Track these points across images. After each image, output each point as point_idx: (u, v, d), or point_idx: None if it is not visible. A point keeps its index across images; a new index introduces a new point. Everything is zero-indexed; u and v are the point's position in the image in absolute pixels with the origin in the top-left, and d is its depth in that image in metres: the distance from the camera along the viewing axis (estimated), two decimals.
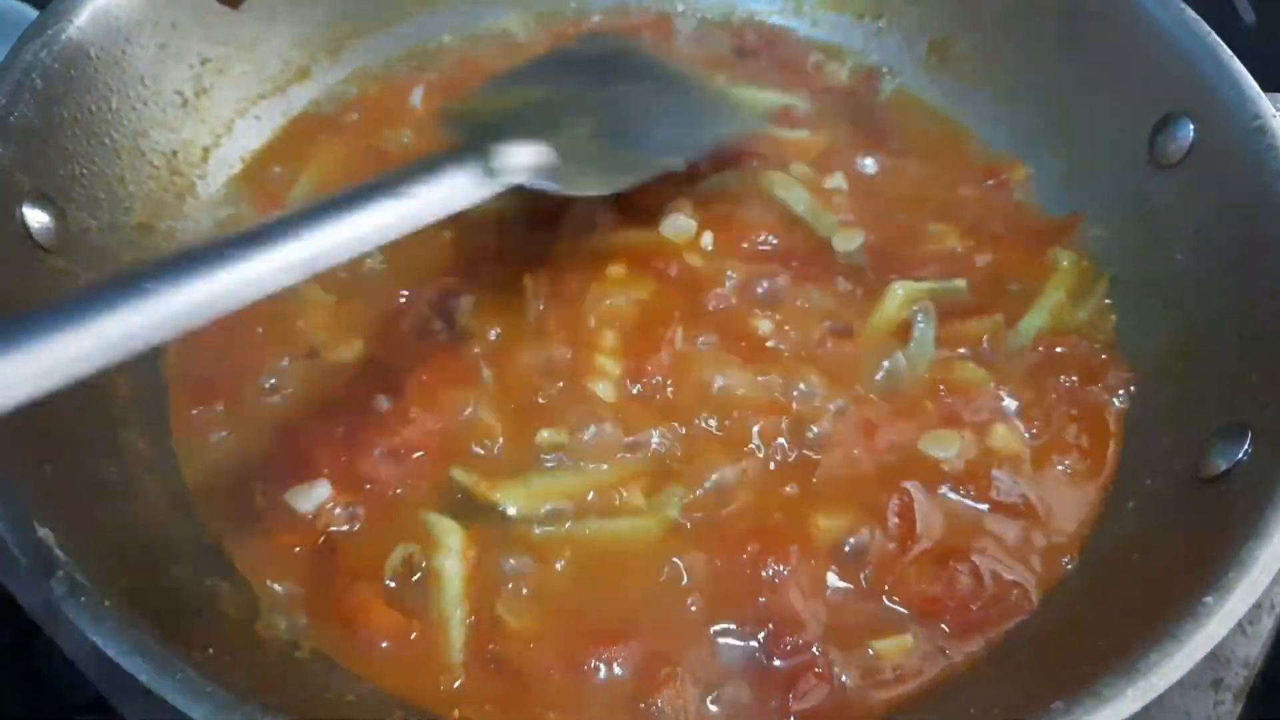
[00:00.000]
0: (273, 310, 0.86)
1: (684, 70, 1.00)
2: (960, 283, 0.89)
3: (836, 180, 0.98)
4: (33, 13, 0.98)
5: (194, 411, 0.83)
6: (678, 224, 0.92)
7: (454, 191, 0.70)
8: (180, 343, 0.85)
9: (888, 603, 0.74)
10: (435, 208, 0.69)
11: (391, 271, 0.90)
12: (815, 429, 0.80)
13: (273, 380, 0.83)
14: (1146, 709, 0.58)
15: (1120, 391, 0.84)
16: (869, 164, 1.00)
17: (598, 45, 1.01)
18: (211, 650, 0.61)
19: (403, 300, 0.87)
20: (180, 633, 0.61)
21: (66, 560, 0.60)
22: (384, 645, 0.71)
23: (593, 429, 0.79)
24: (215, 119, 0.97)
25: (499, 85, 0.91)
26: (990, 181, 0.99)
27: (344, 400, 0.82)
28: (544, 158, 0.75)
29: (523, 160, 0.73)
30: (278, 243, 0.61)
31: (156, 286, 0.56)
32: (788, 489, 0.78)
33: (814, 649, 0.70)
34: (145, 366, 0.83)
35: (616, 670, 0.70)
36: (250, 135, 1.00)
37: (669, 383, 0.82)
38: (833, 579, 0.74)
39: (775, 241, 0.91)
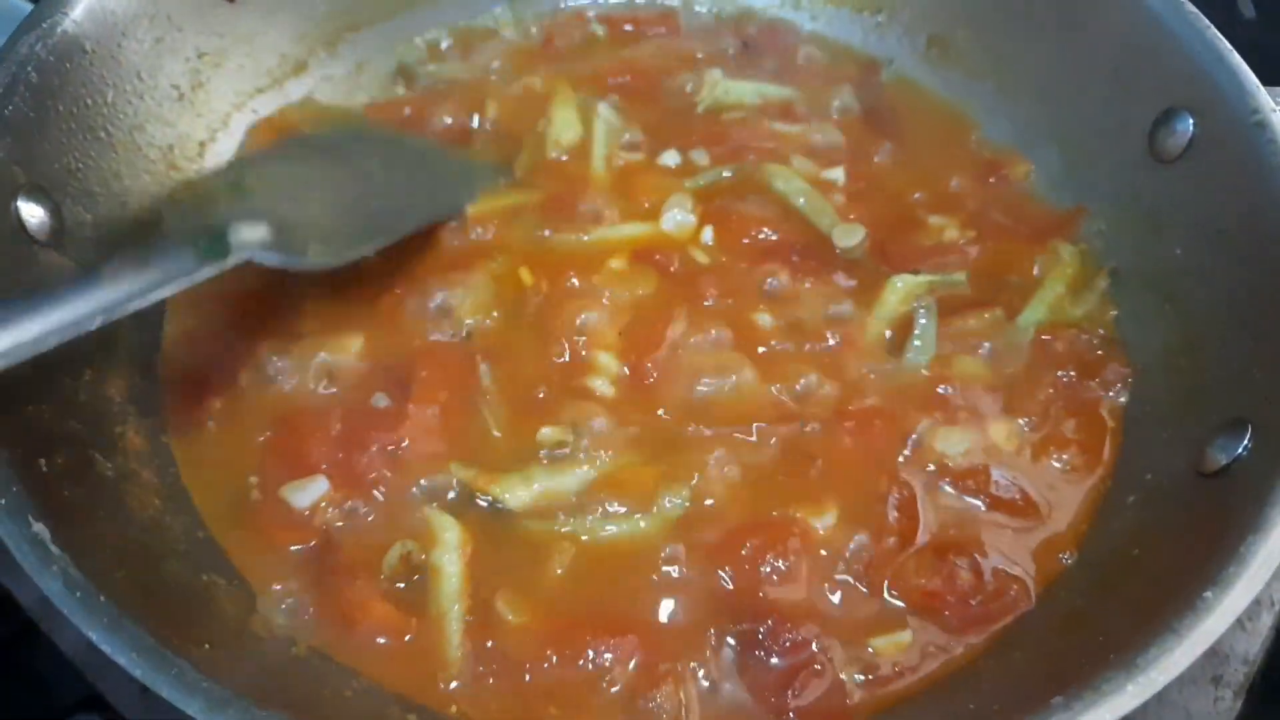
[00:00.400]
0: (270, 307, 0.87)
1: (424, 143, 1.00)
2: (960, 276, 0.89)
3: (836, 173, 0.98)
4: (27, 6, 0.98)
5: (190, 408, 0.82)
6: (678, 218, 0.91)
7: (168, 275, 0.69)
8: (176, 341, 0.86)
9: (887, 598, 0.74)
10: (149, 293, 0.68)
11: (391, 268, 0.89)
12: (815, 425, 0.80)
13: (269, 377, 0.83)
14: (1146, 705, 0.58)
15: (1119, 386, 0.84)
16: (869, 156, 1.00)
17: (334, 131, 1.01)
18: (208, 646, 0.61)
19: (401, 297, 0.87)
20: (176, 629, 0.61)
21: (62, 556, 0.59)
22: (382, 642, 0.71)
23: (592, 425, 0.79)
24: (211, 113, 0.96)
25: (230, 168, 0.92)
26: (991, 179, 0.99)
27: (341, 397, 0.82)
28: (262, 234, 0.75)
29: (242, 238, 0.73)
30: None
31: None
32: (788, 484, 0.77)
33: (813, 645, 0.70)
34: (140, 362, 0.83)
35: (615, 666, 0.69)
36: (246, 129, 0.99)
37: (669, 378, 0.82)
38: (832, 574, 0.74)
39: (776, 236, 0.91)
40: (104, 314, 0.66)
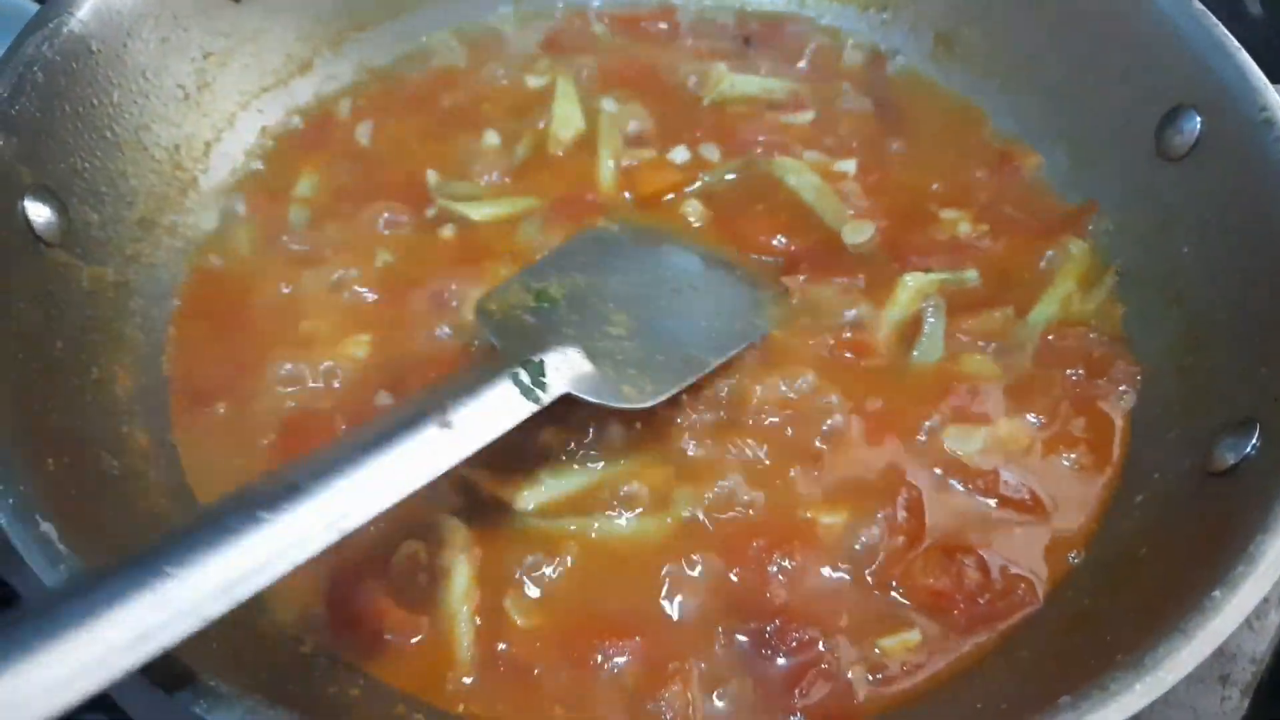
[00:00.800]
0: (276, 308, 0.87)
1: (717, 255, 0.91)
2: (971, 273, 0.89)
3: (846, 166, 0.97)
4: (33, 7, 0.98)
5: (195, 409, 0.82)
6: (689, 214, 0.91)
7: (498, 413, 0.65)
8: (180, 340, 0.86)
9: (895, 597, 0.73)
10: (480, 434, 0.63)
11: (396, 268, 0.89)
12: (825, 423, 0.80)
13: (275, 378, 0.83)
14: (1154, 704, 0.58)
15: (1127, 385, 0.84)
16: (877, 150, 1.00)
17: (627, 230, 0.93)
18: (215, 645, 0.61)
19: (408, 296, 0.87)
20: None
21: (69, 554, 0.59)
22: (390, 641, 0.71)
23: (600, 426, 0.78)
24: (217, 113, 0.97)
25: (531, 275, 0.83)
26: (1004, 171, 0.99)
27: (347, 397, 0.82)
28: (582, 368, 0.71)
29: (563, 373, 0.70)
30: (308, 496, 0.54)
31: (173, 569, 0.49)
32: (796, 484, 0.77)
33: (820, 645, 0.70)
34: (146, 363, 0.83)
35: (623, 667, 0.69)
36: (252, 129, 0.99)
37: None
38: (840, 574, 0.74)
39: (786, 233, 0.91)
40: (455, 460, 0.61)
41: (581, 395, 0.71)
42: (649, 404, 0.75)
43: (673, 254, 0.90)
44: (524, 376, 0.68)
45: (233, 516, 0.53)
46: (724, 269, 0.90)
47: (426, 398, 0.64)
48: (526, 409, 0.67)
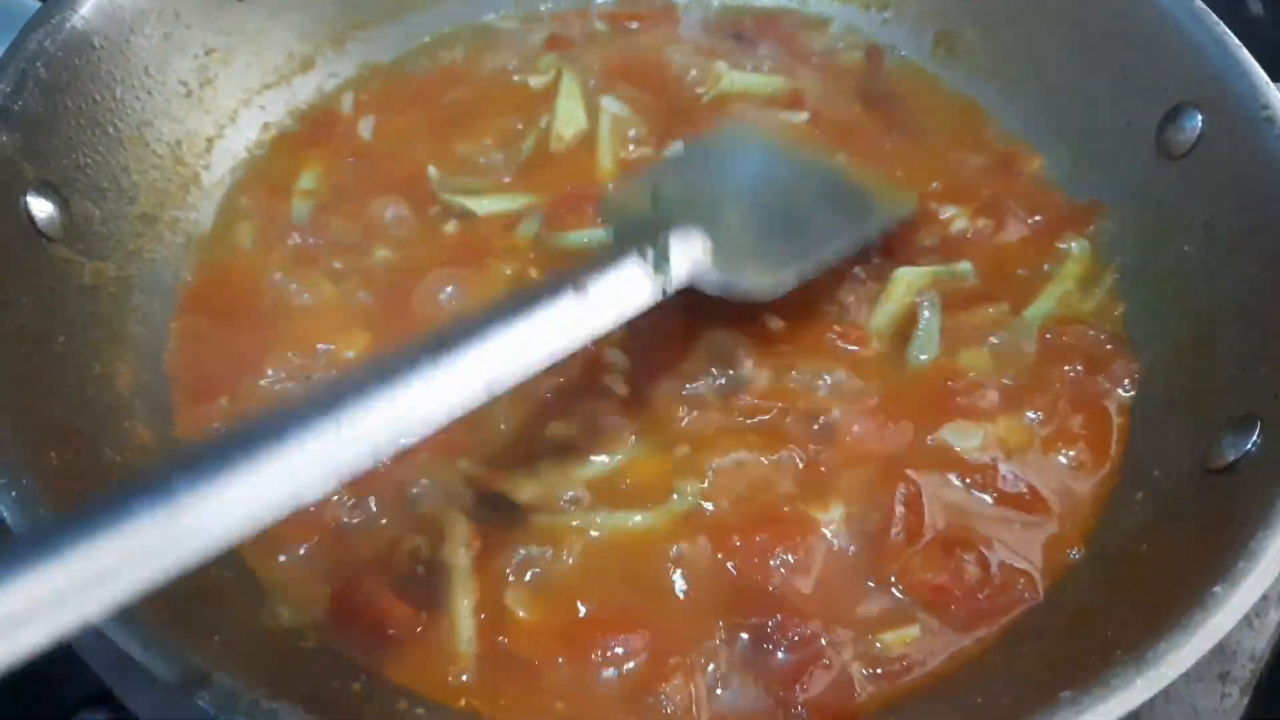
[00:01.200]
0: (278, 304, 0.87)
1: (830, 165, 0.95)
2: (965, 265, 0.89)
3: (847, 163, 0.97)
4: (35, 4, 0.98)
5: (197, 405, 0.82)
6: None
7: (632, 287, 0.66)
8: (182, 336, 0.86)
9: (895, 592, 0.73)
10: (615, 308, 0.65)
11: (397, 264, 0.89)
12: (822, 419, 0.80)
13: (277, 374, 0.83)
14: (1154, 701, 0.58)
15: (1127, 382, 0.84)
16: (876, 146, 1.00)
17: (730, 136, 0.96)
18: (217, 639, 0.61)
19: (409, 294, 0.87)
20: (186, 621, 0.61)
21: None
22: (392, 637, 0.71)
23: (601, 420, 0.79)
24: (219, 109, 0.97)
25: (645, 180, 0.87)
26: (1007, 169, 0.99)
27: None
28: (704, 248, 0.71)
29: (686, 253, 0.70)
30: (464, 351, 0.56)
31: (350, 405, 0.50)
32: (795, 479, 0.77)
33: (821, 639, 0.70)
34: (148, 359, 0.83)
35: (624, 661, 0.69)
36: (254, 126, 0.99)
37: (678, 372, 0.81)
38: (840, 569, 0.74)
39: None
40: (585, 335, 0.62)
41: (705, 283, 0.71)
42: (772, 291, 0.75)
43: (776, 153, 0.93)
44: (650, 255, 0.68)
45: (399, 361, 0.54)
46: (839, 172, 0.92)
47: (562, 275, 0.64)
48: (656, 285, 0.68)
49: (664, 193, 0.79)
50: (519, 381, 0.59)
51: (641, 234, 0.70)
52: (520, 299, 0.61)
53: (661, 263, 0.69)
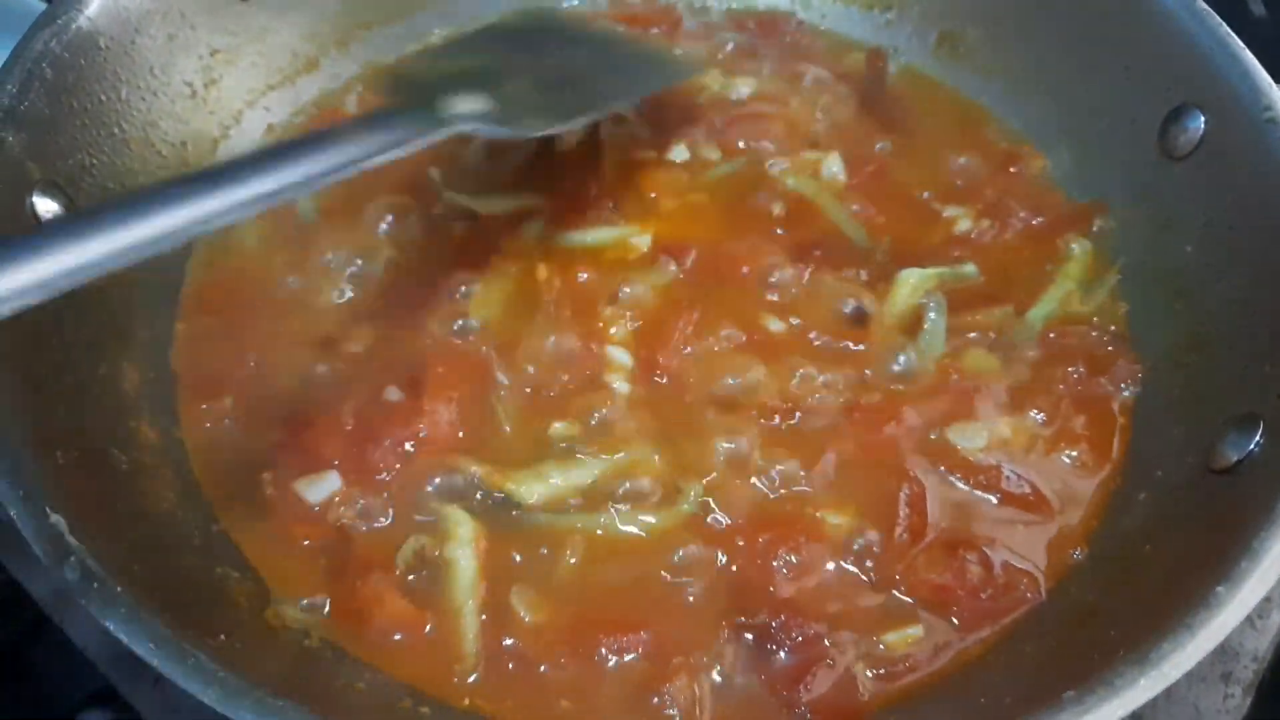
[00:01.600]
0: (282, 304, 0.87)
1: (618, 32, 1.07)
2: (970, 268, 0.90)
3: (850, 165, 0.97)
4: (40, 6, 0.98)
5: (202, 404, 0.83)
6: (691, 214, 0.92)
7: (400, 135, 0.70)
8: (187, 336, 0.86)
9: (898, 593, 0.74)
10: (384, 150, 0.68)
11: (404, 263, 0.90)
12: (827, 420, 0.80)
13: (282, 374, 0.83)
14: (1156, 702, 0.58)
15: (1129, 382, 0.84)
16: (880, 148, 1.00)
17: (528, 18, 1.07)
18: (223, 637, 0.61)
19: (415, 292, 0.87)
20: (191, 620, 0.61)
21: (79, 547, 0.60)
22: (396, 636, 0.71)
23: (605, 420, 0.79)
24: (224, 110, 0.97)
25: (436, 54, 0.96)
26: (1010, 169, 0.99)
27: (354, 392, 0.82)
28: (486, 104, 0.76)
29: (466, 107, 0.74)
30: (227, 184, 0.61)
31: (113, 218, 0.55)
32: (799, 479, 0.78)
33: (824, 639, 0.70)
34: (153, 359, 0.84)
35: (628, 660, 0.70)
36: (259, 127, 1.00)
37: (682, 374, 0.82)
38: (843, 569, 0.74)
39: (787, 230, 0.91)
40: (335, 172, 0.65)
41: (486, 130, 0.76)
42: (556, 129, 0.85)
43: (563, 29, 1.03)
44: (429, 110, 0.73)
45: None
46: (626, 41, 1.03)
47: (354, 122, 0.73)
48: (431, 135, 0.71)
49: (450, 66, 0.86)
50: (312, 188, 0.65)
51: (423, 94, 0.75)
52: (317, 137, 0.67)
53: (439, 118, 0.73)
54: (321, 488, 0.76)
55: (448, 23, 1.10)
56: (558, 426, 0.79)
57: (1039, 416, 0.82)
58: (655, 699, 0.68)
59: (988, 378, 0.83)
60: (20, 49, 0.79)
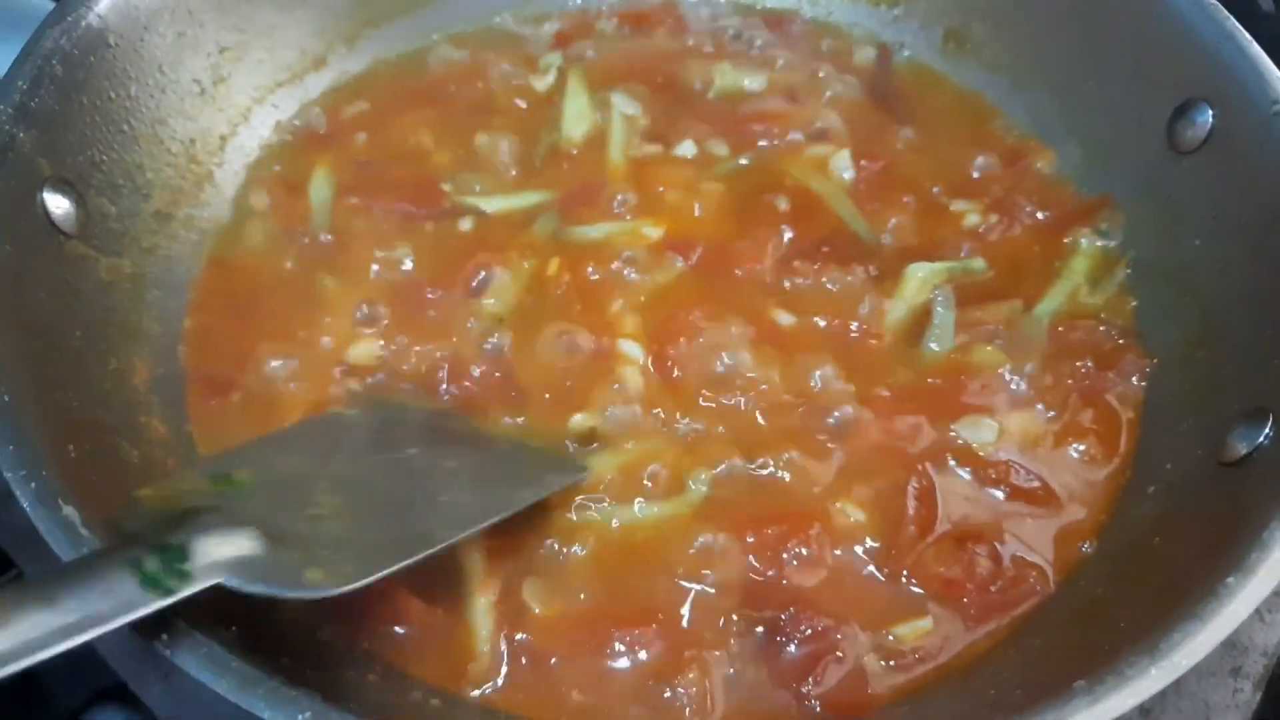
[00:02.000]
0: (291, 300, 0.87)
1: (488, 432, 0.80)
2: (979, 262, 0.90)
3: (858, 160, 0.97)
4: (48, 5, 0.99)
5: (212, 400, 0.83)
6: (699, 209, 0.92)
7: (117, 598, 0.53)
8: (196, 332, 0.86)
9: (907, 585, 0.74)
10: (95, 621, 0.52)
11: (412, 261, 0.90)
12: (836, 414, 0.80)
13: (290, 370, 0.84)
14: (1165, 696, 0.58)
15: (1137, 376, 0.84)
16: (887, 143, 1.00)
17: (375, 411, 0.81)
18: (235, 628, 0.61)
19: (422, 290, 0.87)
20: (203, 611, 0.61)
21: (91, 538, 0.60)
22: (407, 630, 0.71)
23: (617, 414, 0.79)
24: (232, 107, 0.97)
25: (216, 462, 0.75)
26: (1017, 164, 0.99)
27: (364, 390, 0.82)
28: (240, 549, 0.58)
29: (211, 556, 0.56)
30: None
31: None
32: (809, 472, 0.78)
33: (834, 632, 0.70)
34: (163, 354, 0.84)
35: (639, 653, 0.70)
36: (267, 124, 1.00)
37: (693, 369, 0.82)
38: (853, 562, 0.74)
39: (796, 226, 0.91)
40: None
41: (241, 586, 0.57)
42: (339, 591, 0.59)
43: (420, 427, 0.79)
44: (151, 564, 0.55)
45: None
46: (496, 443, 0.79)
47: (27, 586, 0.55)
48: (150, 603, 0.54)
49: (233, 479, 0.67)
50: None
51: (159, 531, 0.58)
52: None
53: (171, 571, 0.55)
54: None
55: (455, 21, 1.10)
56: (576, 418, 0.79)
57: (1048, 411, 0.82)
58: (667, 692, 0.68)
59: (996, 372, 0.83)
60: (30, 46, 0.79)
